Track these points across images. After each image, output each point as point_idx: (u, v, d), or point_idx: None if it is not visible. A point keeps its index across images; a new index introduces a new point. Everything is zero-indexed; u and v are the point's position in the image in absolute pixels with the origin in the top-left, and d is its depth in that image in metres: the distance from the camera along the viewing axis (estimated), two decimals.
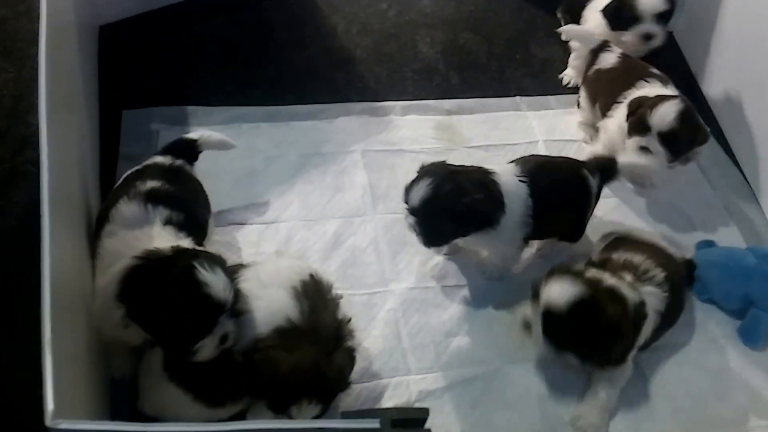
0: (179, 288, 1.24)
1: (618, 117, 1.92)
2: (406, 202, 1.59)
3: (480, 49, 2.46)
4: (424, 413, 1.10)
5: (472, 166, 1.64)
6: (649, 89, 1.91)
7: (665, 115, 1.77)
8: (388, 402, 1.50)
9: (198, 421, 1.33)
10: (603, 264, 1.62)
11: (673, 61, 2.48)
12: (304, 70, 2.27)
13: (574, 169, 1.73)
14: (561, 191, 1.69)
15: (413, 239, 1.66)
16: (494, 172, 1.62)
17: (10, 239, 1.70)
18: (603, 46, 2.08)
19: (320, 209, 1.88)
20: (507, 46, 2.49)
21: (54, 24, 1.44)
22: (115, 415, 1.39)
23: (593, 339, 1.45)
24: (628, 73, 1.99)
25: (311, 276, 1.46)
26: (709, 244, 1.89)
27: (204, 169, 1.90)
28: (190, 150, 1.68)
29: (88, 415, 1.18)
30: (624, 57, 2.06)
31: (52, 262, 1.09)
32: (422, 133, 2.13)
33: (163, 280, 1.24)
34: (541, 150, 2.12)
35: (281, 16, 2.45)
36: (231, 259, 1.70)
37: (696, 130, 1.84)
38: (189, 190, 1.56)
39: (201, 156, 1.92)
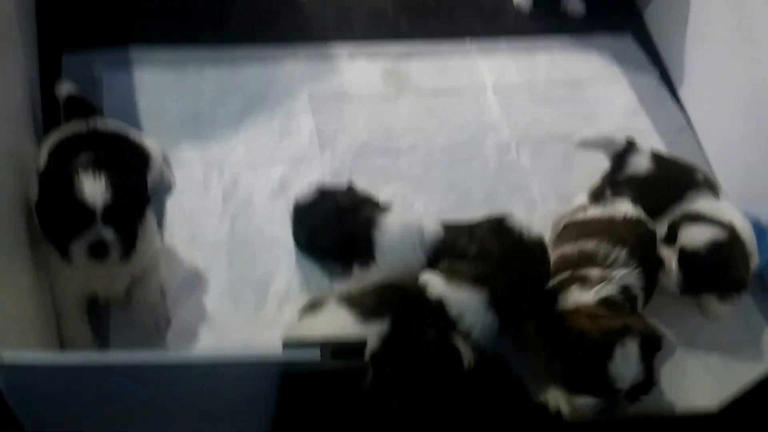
0: (56, 187, 1.27)
1: None
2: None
3: None
4: (362, 343, 1.15)
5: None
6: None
7: None
8: None
9: None
10: (562, 264, 1.53)
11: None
12: (249, 10, 2.23)
13: None
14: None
15: (361, 183, 1.66)
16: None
17: None
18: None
19: (267, 154, 1.89)
20: None
21: None
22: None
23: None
24: None
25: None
26: None
27: (150, 109, 1.91)
28: (88, 105, 1.77)
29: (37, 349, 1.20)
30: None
31: None
32: (370, 78, 2.13)
33: (55, 182, 1.29)
34: (490, 96, 2.14)
35: None
36: (177, 200, 1.73)
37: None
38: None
39: (147, 99, 1.92)
